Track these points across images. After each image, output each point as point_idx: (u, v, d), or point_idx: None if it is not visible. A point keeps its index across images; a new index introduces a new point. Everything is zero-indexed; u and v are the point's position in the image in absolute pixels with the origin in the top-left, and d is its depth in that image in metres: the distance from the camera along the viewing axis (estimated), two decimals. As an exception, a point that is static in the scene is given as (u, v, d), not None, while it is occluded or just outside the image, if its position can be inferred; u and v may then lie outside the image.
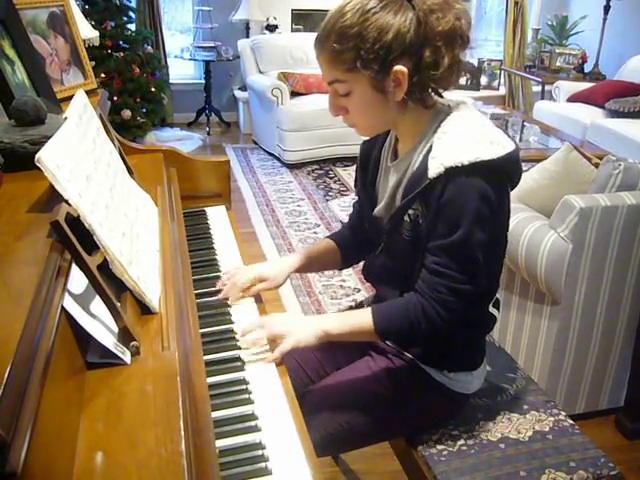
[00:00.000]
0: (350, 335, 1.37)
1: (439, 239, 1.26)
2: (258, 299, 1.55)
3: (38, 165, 0.92)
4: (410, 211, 1.32)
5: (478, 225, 1.23)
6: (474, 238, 1.24)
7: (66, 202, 0.94)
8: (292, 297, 3.27)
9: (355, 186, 1.60)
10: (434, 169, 1.23)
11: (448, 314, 1.28)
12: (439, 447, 1.45)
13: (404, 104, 1.29)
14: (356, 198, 1.62)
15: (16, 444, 0.62)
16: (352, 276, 3.49)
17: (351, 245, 1.65)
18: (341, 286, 3.41)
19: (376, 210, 1.47)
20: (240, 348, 1.33)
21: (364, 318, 1.35)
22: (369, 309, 1.36)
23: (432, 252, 1.28)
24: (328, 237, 1.69)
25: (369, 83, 1.25)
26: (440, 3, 1.21)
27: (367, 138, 1.52)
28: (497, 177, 1.24)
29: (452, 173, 1.21)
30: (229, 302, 1.50)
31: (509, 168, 1.28)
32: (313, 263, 1.65)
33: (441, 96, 1.35)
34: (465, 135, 1.25)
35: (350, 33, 1.21)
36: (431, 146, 1.28)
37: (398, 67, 1.22)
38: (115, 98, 5.01)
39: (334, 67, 1.26)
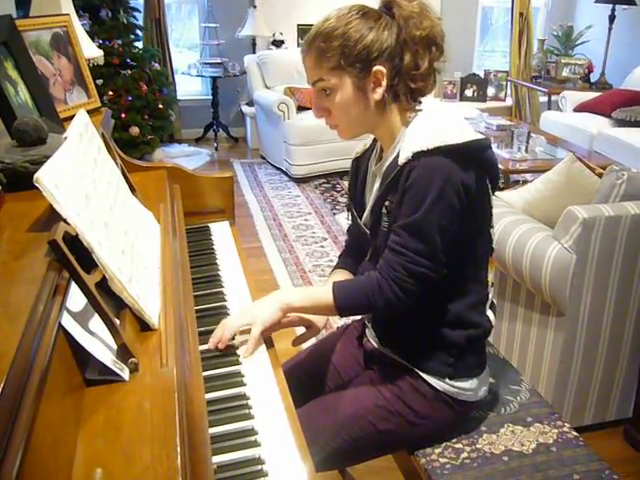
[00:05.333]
0: (311, 308, 1.42)
1: (402, 219, 1.29)
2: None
3: (36, 185, 0.94)
4: (386, 202, 1.36)
5: (439, 205, 1.25)
6: (432, 217, 1.26)
7: (65, 221, 0.95)
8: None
9: (348, 208, 1.59)
10: (403, 156, 1.28)
11: (403, 294, 1.31)
12: (442, 460, 1.44)
13: (382, 106, 1.36)
14: (350, 222, 1.61)
15: (7, 462, 0.62)
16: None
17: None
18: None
19: (363, 217, 1.50)
20: (240, 363, 1.33)
21: (325, 293, 1.38)
22: (331, 285, 1.39)
23: (394, 231, 1.32)
24: (339, 268, 1.64)
25: (351, 82, 1.33)
26: (417, 11, 1.30)
27: (358, 155, 1.57)
28: (464, 160, 1.27)
29: (419, 156, 1.26)
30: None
31: (478, 153, 1.31)
32: None
33: (419, 102, 1.39)
34: (434, 124, 1.32)
35: (335, 33, 1.31)
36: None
37: (377, 67, 1.31)
38: (123, 115, 5.04)
39: (319, 66, 1.34)
